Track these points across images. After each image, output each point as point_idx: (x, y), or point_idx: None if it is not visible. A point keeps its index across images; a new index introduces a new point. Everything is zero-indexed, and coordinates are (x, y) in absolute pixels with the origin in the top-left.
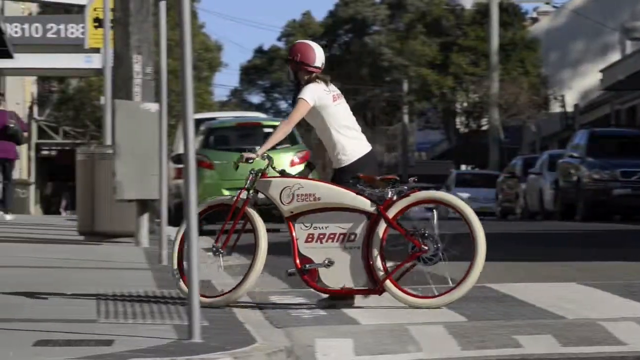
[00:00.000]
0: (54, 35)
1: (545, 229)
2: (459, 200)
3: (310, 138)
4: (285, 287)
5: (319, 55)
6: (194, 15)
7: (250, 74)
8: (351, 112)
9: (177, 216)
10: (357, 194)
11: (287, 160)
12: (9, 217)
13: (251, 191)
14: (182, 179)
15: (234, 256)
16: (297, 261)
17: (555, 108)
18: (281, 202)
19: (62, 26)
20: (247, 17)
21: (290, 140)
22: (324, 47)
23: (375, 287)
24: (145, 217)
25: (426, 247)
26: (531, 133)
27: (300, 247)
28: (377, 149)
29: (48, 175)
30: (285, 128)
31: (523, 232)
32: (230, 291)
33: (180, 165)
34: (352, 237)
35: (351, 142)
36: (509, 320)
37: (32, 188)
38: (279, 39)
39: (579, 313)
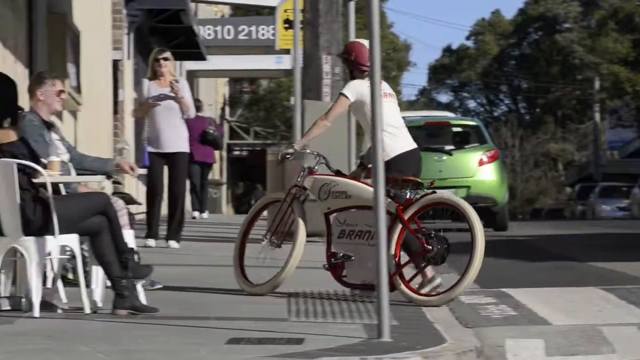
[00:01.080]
0: (245, 37)
1: None
2: (463, 202)
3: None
4: (475, 287)
5: None
6: (382, 15)
7: (438, 73)
8: (399, 112)
9: None
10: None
11: (476, 159)
12: (205, 215)
13: (300, 187)
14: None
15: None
16: (329, 254)
17: None
18: (319, 198)
19: (253, 28)
20: (436, 17)
21: (478, 139)
22: (513, 45)
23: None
24: None
25: (430, 247)
26: None
27: (333, 242)
28: (567, 147)
29: (239, 175)
30: (322, 123)
31: None
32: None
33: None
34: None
35: (392, 138)
36: None
37: (224, 188)
38: (467, 38)
39: None
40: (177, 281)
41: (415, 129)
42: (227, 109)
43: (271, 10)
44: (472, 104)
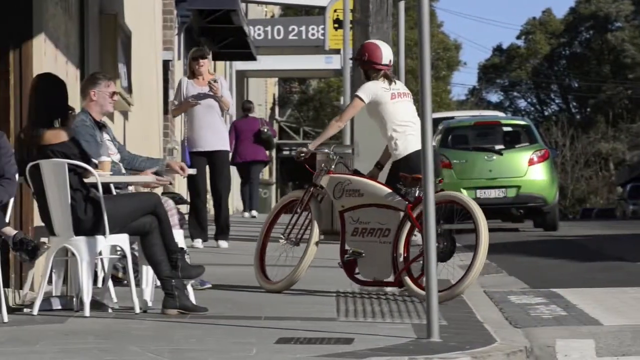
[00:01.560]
0: (295, 37)
1: None
2: (470, 200)
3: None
4: (525, 287)
5: (385, 53)
6: (432, 14)
7: (488, 72)
8: (414, 111)
9: None
10: (394, 192)
11: (526, 159)
12: (254, 214)
13: (317, 186)
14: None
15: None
16: (343, 252)
17: None
18: (334, 196)
19: (302, 28)
20: (486, 16)
21: (529, 138)
22: (564, 44)
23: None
24: None
25: (436, 244)
26: None
27: (347, 240)
28: (618, 147)
29: (288, 175)
30: (336, 124)
31: None
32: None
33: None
34: (387, 232)
35: (406, 137)
36: None
37: (273, 188)
38: (518, 37)
39: None
40: (226, 281)
41: (465, 129)
42: (277, 109)
43: (321, 10)
44: (522, 103)
